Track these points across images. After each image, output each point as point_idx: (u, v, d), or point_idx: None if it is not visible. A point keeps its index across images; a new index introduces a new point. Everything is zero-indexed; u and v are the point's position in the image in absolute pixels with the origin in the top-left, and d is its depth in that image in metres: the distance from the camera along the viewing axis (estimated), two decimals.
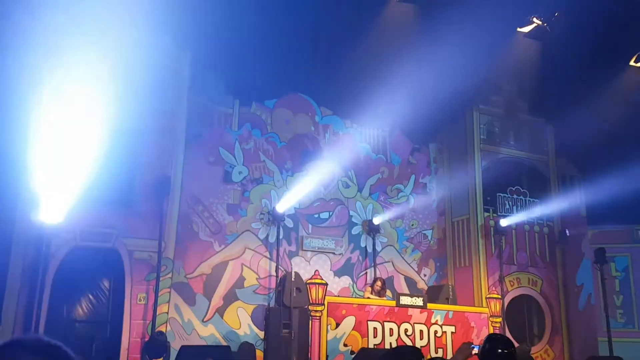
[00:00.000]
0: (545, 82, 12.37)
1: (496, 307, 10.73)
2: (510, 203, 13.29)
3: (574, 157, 13.96)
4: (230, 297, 10.60)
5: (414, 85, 11.55)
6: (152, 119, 10.22)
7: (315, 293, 8.89)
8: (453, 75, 11.85)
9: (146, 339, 9.13)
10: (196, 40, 10.48)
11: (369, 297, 10.09)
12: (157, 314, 9.47)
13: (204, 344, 9.88)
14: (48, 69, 8.63)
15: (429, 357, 9.30)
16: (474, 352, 3.93)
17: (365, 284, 11.39)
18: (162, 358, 8.86)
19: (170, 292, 9.88)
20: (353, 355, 8.76)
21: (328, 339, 8.89)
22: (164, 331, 9.26)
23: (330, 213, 11.99)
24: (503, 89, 13.83)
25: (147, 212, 9.90)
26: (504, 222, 12.62)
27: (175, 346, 9.22)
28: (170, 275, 9.93)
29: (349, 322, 9.19)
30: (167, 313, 9.75)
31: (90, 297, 10.33)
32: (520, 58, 12.63)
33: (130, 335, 9.35)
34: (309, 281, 9.14)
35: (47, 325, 8.77)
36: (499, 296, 11.10)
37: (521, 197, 13.48)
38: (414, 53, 11.26)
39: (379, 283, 10.17)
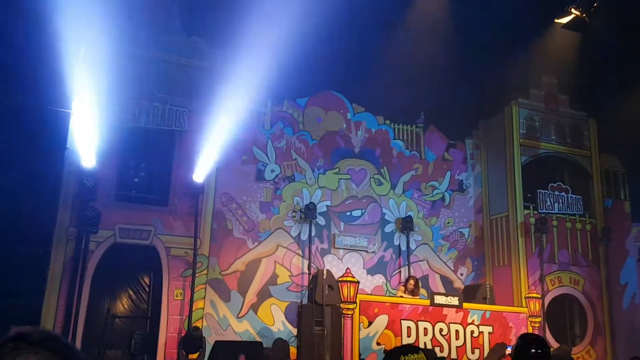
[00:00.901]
0: (586, 74, 11.94)
1: (536, 306, 10.44)
2: (551, 200, 12.90)
3: (618, 152, 13.44)
4: (263, 294, 10.68)
5: (449, 80, 11.35)
6: (187, 118, 10.40)
7: (347, 291, 8.86)
8: (490, 69, 11.59)
9: (183, 334, 9.30)
10: (228, 39, 10.58)
11: (402, 296, 9.98)
12: (193, 309, 9.65)
13: (239, 339, 9.99)
14: (82, 65, 8.84)
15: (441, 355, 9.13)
16: (507, 352, 3.81)
17: (399, 283, 11.27)
18: (198, 353, 8.99)
19: (205, 288, 10.05)
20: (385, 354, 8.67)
21: (361, 337, 8.85)
22: (200, 326, 9.41)
23: (363, 211, 11.90)
24: (543, 82, 13.43)
25: (183, 210, 10.11)
26: (544, 220, 12.26)
27: (211, 341, 9.34)
28: (205, 271, 10.10)
29: (381, 320, 9.12)
30: (203, 309, 9.92)
31: (130, 292, 10.61)
32: (560, 50, 12.23)
33: (168, 330, 9.56)
34: (340, 279, 9.10)
35: (87, 320, 9.05)
36: (539, 295, 10.79)
37: (563, 193, 13.08)
38: (449, 46, 11.05)
39: (411, 282, 10.04)
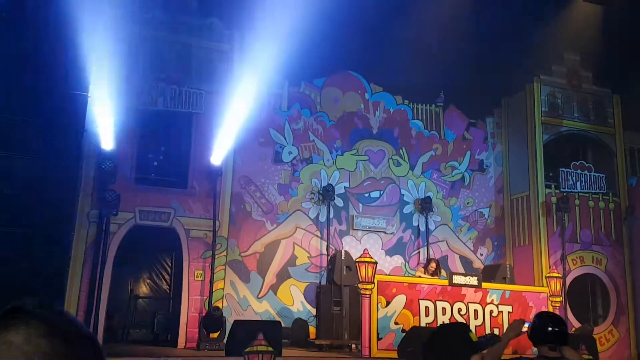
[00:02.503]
0: (609, 49, 11.60)
1: (556, 286, 10.31)
2: (573, 178, 12.68)
3: None
4: (283, 275, 10.77)
5: (469, 57, 11.15)
6: (205, 101, 10.43)
7: (364, 271, 8.85)
8: (511, 45, 11.35)
9: (204, 314, 9.43)
10: (244, 21, 10.54)
11: (420, 277, 9.94)
12: (214, 290, 9.76)
13: (259, 319, 10.10)
14: (104, 53, 8.91)
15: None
16: (524, 329, 3.76)
17: (418, 264, 11.24)
18: (218, 332, 9.13)
19: (225, 269, 10.16)
20: (404, 334, 8.70)
21: (379, 316, 8.85)
22: (221, 307, 9.54)
23: (381, 192, 11.85)
24: (565, 58, 13.12)
25: (202, 193, 10.19)
26: (566, 199, 12.05)
27: (232, 321, 9.44)
28: (225, 253, 10.20)
29: (399, 300, 9.11)
30: (223, 289, 10.04)
31: (152, 273, 10.80)
32: (582, 25, 11.91)
33: (189, 310, 9.71)
34: (358, 260, 9.10)
35: (110, 300, 9.23)
36: (560, 275, 10.66)
37: (585, 171, 12.83)
38: (468, 23, 10.84)
39: (433, 264, 9.99)
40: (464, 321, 9.44)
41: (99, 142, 9.29)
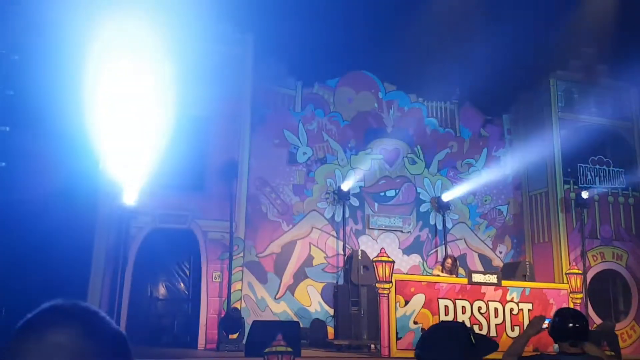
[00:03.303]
0: (627, 43, 11.42)
1: (577, 282, 10.18)
2: (592, 174, 12.52)
3: None
4: (300, 276, 10.78)
5: (483, 54, 11.05)
6: (218, 105, 10.48)
7: (382, 271, 8.82)
8: (526, 41, 11.23)
9: (222, 315, 9.48)
10: (257, 24, 10.58)
11: (438, 275, 9.89)
12: (232, 291, 9.80)
13: (277, 320, 10.12)
14: (121, 61, 9.01)
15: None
16: (545, 325, 3.71)
17: (436, 262, 11.17)
18: (237, 333, 9.16)
19: (242, 271, 10.20)
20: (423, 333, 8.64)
21: (397, 316, 8.82)
22: (239, 307, 9.58)
23: (397, 191, 11.81)
24: (581, 52, 12.95)
25: (218, 195, 10.23)
26: (585, 195, 11.90)
27: (250, 322, 9.48)
28: (242, 254, 10.23)
29: (418, 299, 9.06)
30: (241, 290, 10.08)
31: (171, 276, 10.87)
32: (598, 19, 11.74)
33: (208, 311, 9.76)
34: (375, 259, 9.07)
35: (130, 303, 9.31)
36: (580, 271, 10.52)
37: (604, 166, 12.66)
38: (482, 18, 10.75)
39: (449, 261, 9.92)
40: (484, 320, 9.37)
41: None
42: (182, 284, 10.96)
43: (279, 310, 10.50)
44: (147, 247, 9.74)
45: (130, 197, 9.27)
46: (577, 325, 3.21)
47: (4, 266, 7.23)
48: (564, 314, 3.34)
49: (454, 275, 9.97)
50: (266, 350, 6.77)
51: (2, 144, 6.77)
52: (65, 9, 7.55)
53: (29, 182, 7.29)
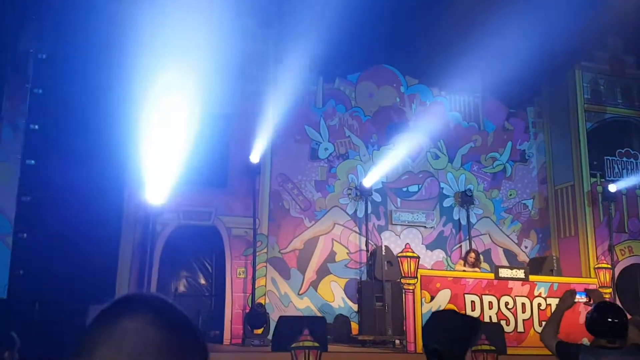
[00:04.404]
0: None
1: (606, 277, 10.01)
2: (619, 166, 12.29)
3: None
4: (323, 271, 10.76)
5: (507, 45, 10.87)
6: (240, 102, 10.50)
7: (407, 266, 8.75)
8: (550, 31, 11.03)
9: (247, 311, 9.51)
10: (279, 19, 10.55)
11: (463, 270, 9.78)
12: (256, 287, 9.83)
13: (301, 315, 10.13)
14: (145, 60, 9.07)
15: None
16: (578, 299, 3.62)
17: (460, 258, 11.06)
18: (262, 328, 9.19)
19: (266, 267, 10.22)
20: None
21: (423, 312, 8.74)
22: (263, 303, 9.60)
23: (420, 186, 11.71)
24: (607, 43, 12.69)
25: (241, 191, 10.26)
26: (612, 188, 11.68)
27: (274, 317, 9.50)
28: (265, 250, 10.25)
29: (444, 295, 8.97)
30: (265, 286, 10.10)
31: (195, 272, 10.93)
32: (624, 8, 11.47)
33: (233, 307, 9.80)
34: (400, 255, 9.01)
35: None
36: (609, 266, 10.34)
37: (632, 159, 12.42)
38: (505, 8, 10.58)
39: (472, 255, 9.82)
40: (511, 315, 9.25)
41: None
42: (206, 281, 11.02)
43: (302, 305, 10.49)
44: (172, 244, 9.81)
45: (156, 194, 9.36)
46: (616, 320, 3.10)
47: (36, 262, 7.34)
48: (602, 309, 3.22)
49: (477, 270, 9.86)
50: (293, 345, 6.76)
51: (32, 142, 6.86)
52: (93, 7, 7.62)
53: (57, 179, 7.38)
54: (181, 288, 10.85)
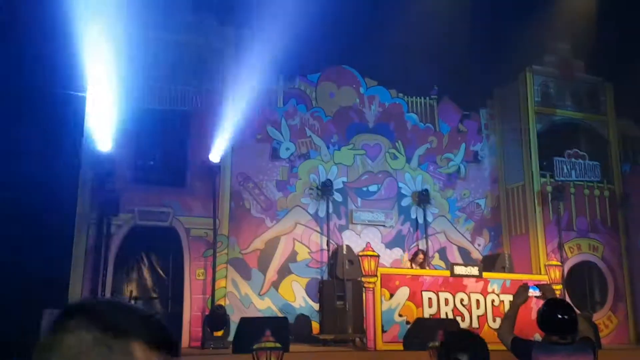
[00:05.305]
0: (602, 37, 11.67)
1: (556, 274, 10.41)
2: (568, 167, 12.79)
3: (636, 117, 13.23)
4: (284, 271, 10.76)
5: (461, 49, 11.17)
6: (199, 99, 10.37)
7: (367, 265, 8.88)
8: (503, 36, 11.38)
9: (206, 313, 9.41)
10: (238, 17, 10.48)
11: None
12: (216, 288, 9.74)
13: (262, 316, 10.09)
14: (95, 49, 8.83)
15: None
16: (531, 293, 3.71)
17: (408, 259, 11.29)
18: (222, 330, 9.11)
19: (227, 268, 10.14)
20: (409, 326, 8.74)
21: (383, 309, 8.89)
22: (223, 305, 9.52)
23: (379, 186, 11.87)
24: (557, 48, 13.19)
25: (201, 191, 10.14)
26: (561, 187, 12.15)
27: (234, 319, 9.43)
28: (225, 251, 10.17)
29: (403, 292, 9.14)
30: (225, 288, 10.02)
31: (152, 274, 10.72)
32: (574, 13, 11.97)
33: (192, 309, 9.68)
34: (360, 253, 9.13)
35: None
36: (559, 263, 10.76)
37: (580, 160, 12.94)
38: (460, 14, 10.86)
39: (421, 256, 10.10)
40: (466, 311, 9.51)
41: (96, 144, 9.20)
42: (163, 283, 10.82)
43: (264, 306, 10.47)
44: (128, 245, 9.60)
45: (110, 194, 9.14)
46: (566, 317, 3.13)
47: None
48: (552, 305, 3.27)
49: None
50: (255, 346, 6.74)
51: None
52: None
53: (6, 175, 7.11)
54: (137, 291, 10.63)
